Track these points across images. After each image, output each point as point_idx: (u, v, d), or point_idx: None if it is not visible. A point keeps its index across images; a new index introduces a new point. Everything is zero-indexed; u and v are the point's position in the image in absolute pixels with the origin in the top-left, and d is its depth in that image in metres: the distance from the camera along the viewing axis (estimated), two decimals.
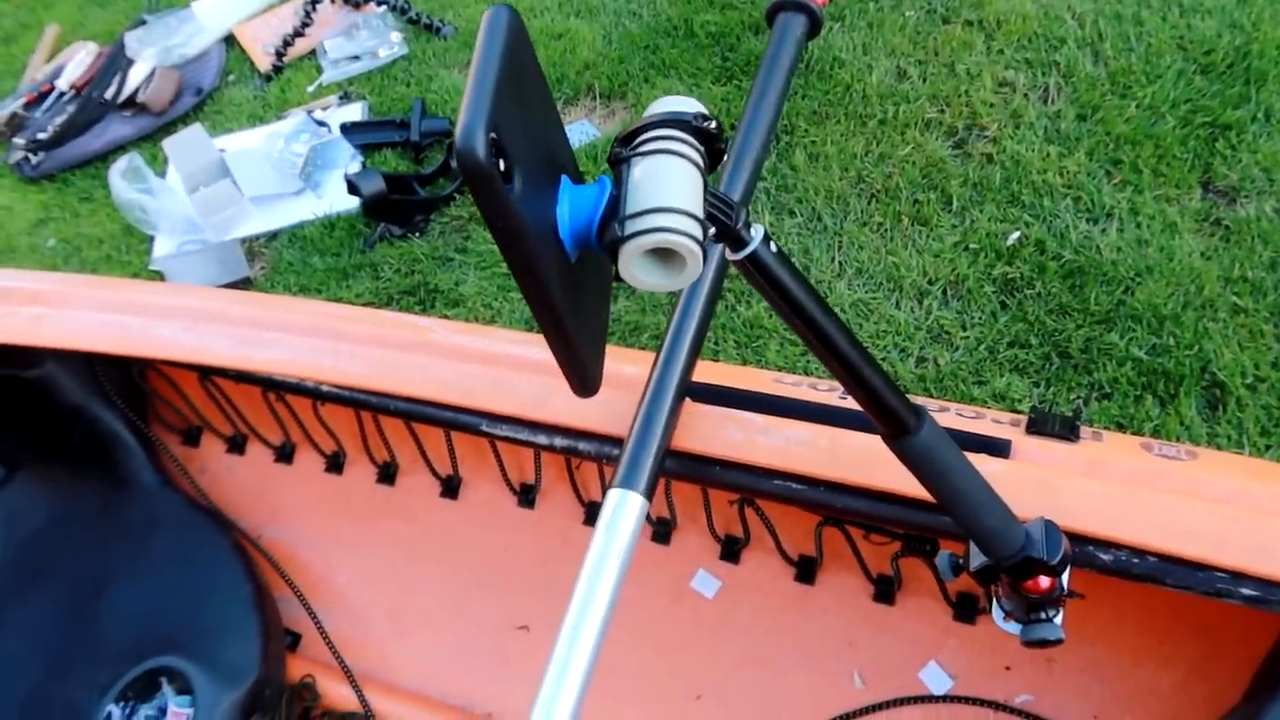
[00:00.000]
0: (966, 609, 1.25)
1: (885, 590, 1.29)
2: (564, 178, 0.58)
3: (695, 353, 1.01)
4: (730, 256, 0.62)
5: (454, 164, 2.23)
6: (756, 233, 0.61)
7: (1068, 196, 1.76)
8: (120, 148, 2.65)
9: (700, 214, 0.55)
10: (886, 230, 1.83)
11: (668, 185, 0.54)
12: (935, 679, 1.26)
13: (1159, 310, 1.58)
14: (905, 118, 1.96)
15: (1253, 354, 1.51)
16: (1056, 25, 2.00)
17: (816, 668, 1.30)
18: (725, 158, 0.61)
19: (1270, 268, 1.59)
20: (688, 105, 0.59)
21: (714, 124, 0.58)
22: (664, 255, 0.55)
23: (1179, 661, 1.16)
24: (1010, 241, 1.73)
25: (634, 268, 0.54)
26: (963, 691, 1.24)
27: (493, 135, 0.48)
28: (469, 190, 0.47)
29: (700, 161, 0.57)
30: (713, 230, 0.59)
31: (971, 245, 1.75)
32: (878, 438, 0.85)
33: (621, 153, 0.57)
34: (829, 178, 1.92)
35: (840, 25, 2.13)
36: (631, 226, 0.53)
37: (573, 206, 0.57)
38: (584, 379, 0.62)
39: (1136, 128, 1.80)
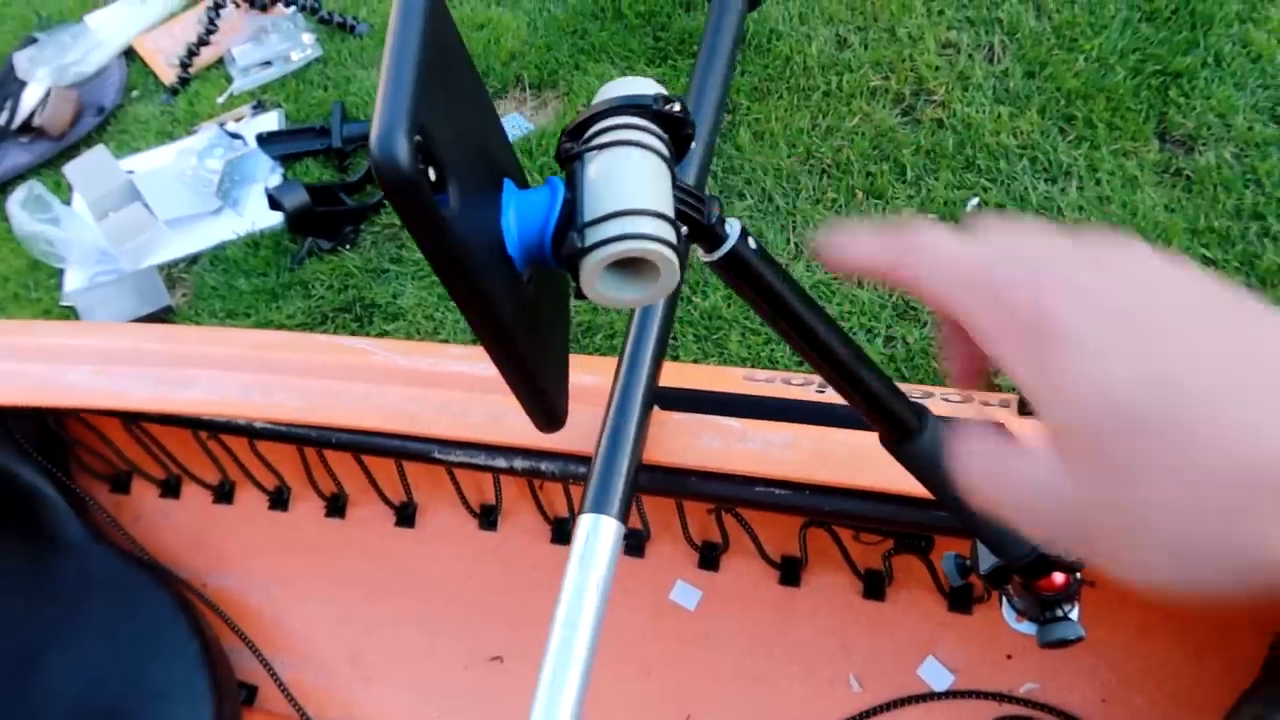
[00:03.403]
0: (962, 599, 1.19)
1: (875, 586, 1.22)
2: (507, 182, 0.49)
3: (660, 357, 0.93)
4: (704, 258, 0.54)
5: None
6: (733, 228, 0.53)
7: (1024, 157, 1.71)
8: (19, 176, 2.48)
9: (671, 213, 0.46)
10: (841, 206, 1.76)
11: (631, 183, 0.46)
12: (935, 675, 1.20)
13: None
14: (850, 88, 1.89)
15: None
16: None
17: (810, 675, 1.23)
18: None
19: (1235, 216, 1.55)
20: (645, 86, 0.50)
21: (678, 106, 0.49)
22: (633, 265, 0.46)
23: (1189, 636, 1.11)
24: (969, 208, 1.68)
25: (599, 283, 0.45)
26: (965, 686, 1.18)
27: (418, 138, 0.38)
28: (393, 208, 0.38)
29: (666, 152, 0.49)
30: (685, 230, 0.50)
31: (930, 215, 1.69)
32: (864, 434, 0.78)
33: (573, 147, 0.48)
34: (777, 156, 1.84)
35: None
36: (593, 235, 0.44)
37: (520, 216, 0.47)
38: (549, 413, 0.53)
39: (1087, 81, 1.75)
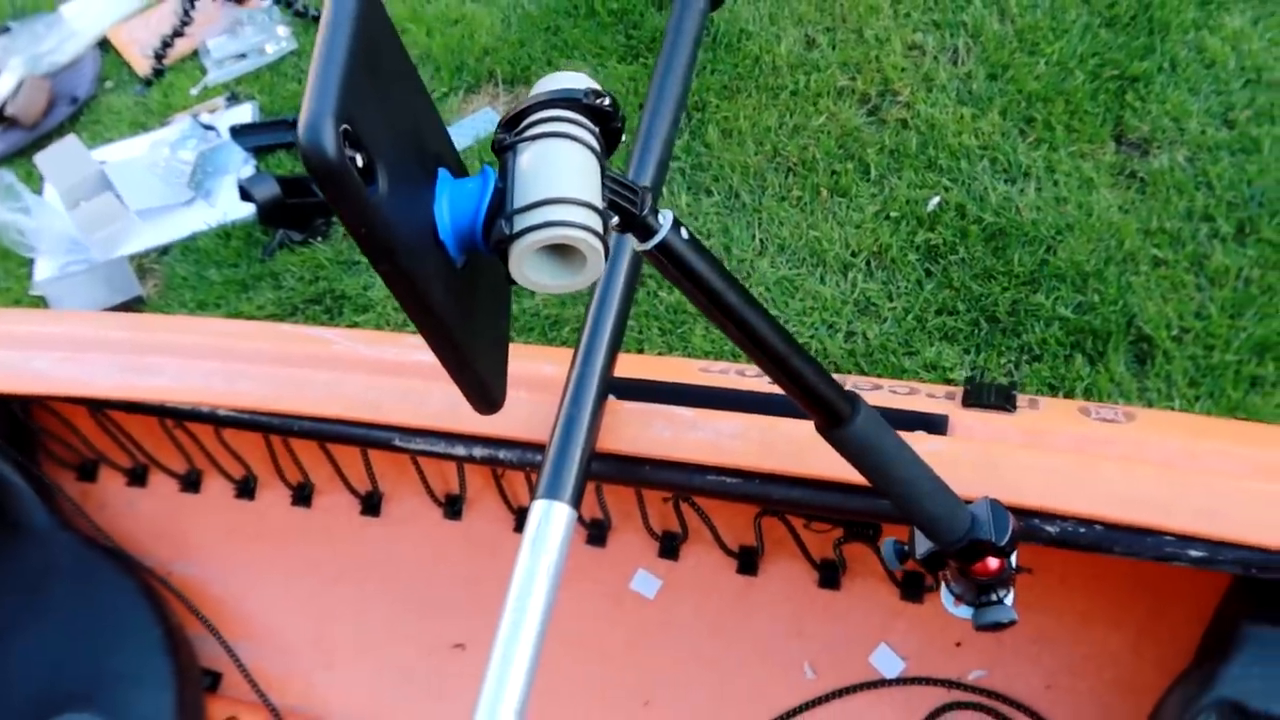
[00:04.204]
0: (913, 588, 1.22)
1: (830, 576, 1.25)
2: (442, 171, 0.51)
3: (615, 348, 0.95)
4: (637, 247, 0.56)
5: None
6: (665, 219, 0.55)
7: (984, 158, 1.74)
8: None
9: (599, 203, 0.49)
10: (806, 204, 1.79)
11: (559, 173, 0.48)
12: (886, 662, 1.23)
13: (1081, 267, 1.57)
14: (817, 87, 1.91)
15: (1176, 305, 1.51)
16: None
17: (766, 662, 1.26)
18: (635, 139, 0.55)
19: (1187, 217, 1.59)
20: (577, 81, 0.52)
21: (608, 100, 0.52)
22: (561, 252, 0.48)
23: (1128, 624, 1.14)
24: (931, 207, 1.71)
25: (527, 268, 0.48)
26: (915, 672, 1.21)
27: (345, 127, 0.40)
28: (323, 195, 0.40)
29: (596, 145, 0.51)
30: (616, 220, 0.52)
31: (892, 214, 1.72)
32: (812, 424, 0.80)
33: (506, 139, 0.50)
34: (744, 153, 1.87)
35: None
36: (521, 222, 0.47)
37: (453, 203, 0.50)
38: (484, 396, 0.56)
39: (1047, 84, 1.79)
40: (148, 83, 2.55)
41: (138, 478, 1.54)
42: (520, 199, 0.47)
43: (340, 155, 0.39)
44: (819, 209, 1.77)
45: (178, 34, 2.58)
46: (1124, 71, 1.77)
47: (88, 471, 1.56)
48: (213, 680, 1.41)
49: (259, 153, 2.26)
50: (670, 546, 1.31)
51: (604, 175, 0.51)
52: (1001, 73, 1.84)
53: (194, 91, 2.48)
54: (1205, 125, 1.68)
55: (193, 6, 2.59)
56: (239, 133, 2.27)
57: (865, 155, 1.80)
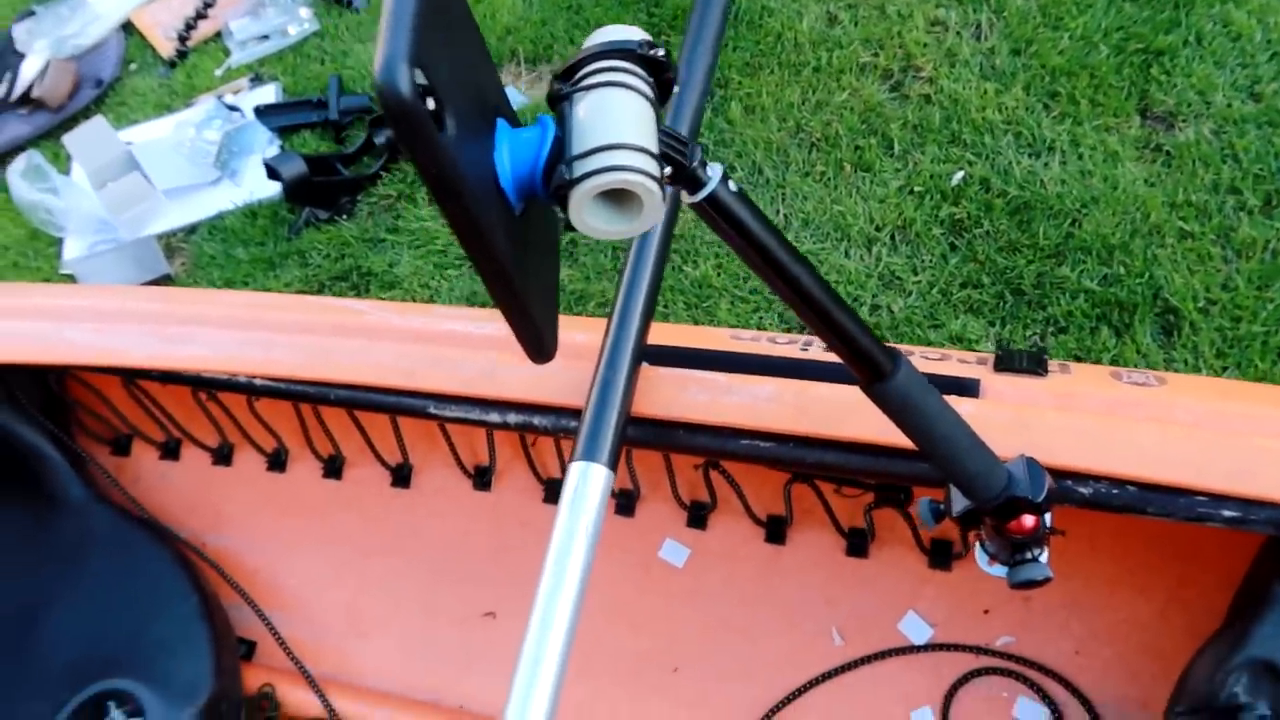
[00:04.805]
0: (941, 556, 1.23)
1: (858, 544, 1.26)
2: (500, 122, 0.52)
3: (649, 314, 0.96)
4: (687, 200, 0.57)
5: (378, 139, 2.14)
6: (714, 172, 0.56)
7: (1008, 132, 1.74)
8: (18, 148, 2.49)
9: (655, 150, 0.50)
10: (830, 179, 1.79)
11: (618, 120, 0.49)
12: (915, 629, 1.24)
13: (1107, 240, 1.57)
14: (839, 63, 1.91)
15: (1203, 277, 1.51)
16: None
17: (794, 629, 1.27)
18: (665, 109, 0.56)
19: (1213, 190, 1.58)
20: (631, 33, 0.53)
21: (661, 51, 0.53)
22: (619, 198, 0.49)
23: (1155, 590, 1.15)
24: (955, 181, 1.71)
25: (586, 214, 0.49)
26: (943, 639, 1.22)
27: (418, 71, 0.41)
28: (395, 135, 0.41)
29: (650, 93, 0.52)
30: (667, 170, 0.53)
31: (916, 188, 1.72)
32: (846, 388, 0.81)
33: (562, 88, 0.51)
34: (767, 129, 1.87)
35: None
36: (581, 167, 0.48)
37: (513, 152, 0.51)
38: (539, 343, 0.57)
39: (1071, 59, 1.78)
40: (171, 65, 2.57)
41: (170, 451, 1.56)
42: (579, 145, 0.48)
43: (415, 95, 0.40)
44: (843, 184, 1.77)
45: (200, 16, 2.59)
46: (1149, 45, 1.76)
47: (121, 446, 1.59)
48: (247, 649, 1.43)
49: (284, 132, 2.28)
50: (698, 516, 1.33)
51: (658, 125, 0.52)
52: (1025, 48, 1.84)
53: (218, 73, 2.50)
54: (1231, 98, 1.67)
55: None
56: (264, 113, 2.29)
57: (888, 130, 1.80)
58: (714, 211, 0.57)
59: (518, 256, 0.51)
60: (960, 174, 1.71)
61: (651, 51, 0.52)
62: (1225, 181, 1.59)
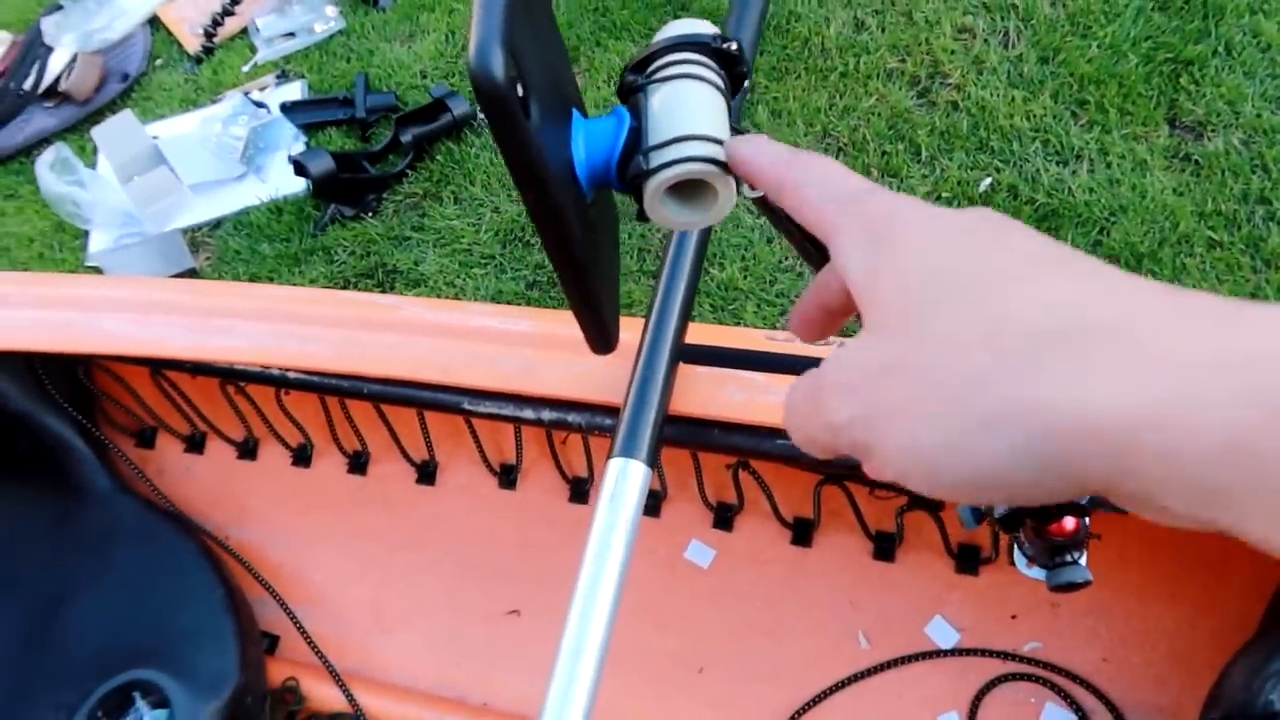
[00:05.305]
0: (969, 560, 1.23)
1: (885, 547, 1.26)
2: (574, 111, 0.53)
3: (687, 312, 0.96)
4: (749, 193, 0.57)
5: (404, 138, 2.15)
6: None
7: (1036, 140, 1.74)
8: (45, 140, 2.51)
9: (728, 141, 0.50)
10: None
11: (695, 111, 0.49)
12: (941, 633, 1.23)
13: (1136, 249, 1.57)
14: (867, 69, 1.92)
15: (1230, 287, 1.51)
16: None
17: (820, 632, 1.27)
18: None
19: (1242, 200, 1.58)
20: (703, 27, 0.53)
21: (734, 45, 0.53)
22: (692, 189, 0.49)
23: (1185, 598, 1.15)
24: (983, 188, 1.71)
25: (661, 205, 0.49)
26: (970, 644, 1.22)
27: (510, 57, 0.42)
28: (486, 119, 0.41)
29: (724, 86, 0.52)
30: None
31: (944, 194, 1.72)
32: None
33: (636, 80, 0.52)
34: (794, 134, 1.87)
35: None
36: (657, 158, 0.48)
37: (589, 141, 0.51)
38: (604, 334, 0.57)
39: (1099, 67, 1.78)
40: (198, 60, 2.58)
41: (195, 444, 1.56)
42: (656, 136, 0.49)
43: (509, 81, 0.40)
44: None
45: (227, 13, 2.60)
46: (1178, 55, 1.76)
47: (146, 438, 1.59)
48: (271, 643, 1.44)
49: (309, 129, 2.29)
50: (724, 518, 1.33)
51: (730, 117, 0.52)
52: (1053, 56, 1.84)
53: (244, 69, 2.51)
54: (1261, 109, 1.67)
55: None
56: (290, 109, 2.30)
57: (916, 137, 1.81)
58: (775, 205, 0.57)
59: (590, 246, 0.51)
60: (988, 181, 1.71)
61: (725, 45, 0.52)
62: (1254, 191, 1.59)
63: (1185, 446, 0.23)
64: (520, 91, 0.43)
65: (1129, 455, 0.24)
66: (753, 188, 0.47)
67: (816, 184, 0.38)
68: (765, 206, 0.58)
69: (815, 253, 0.63)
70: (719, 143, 0.49)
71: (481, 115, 2.16)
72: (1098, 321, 0.26)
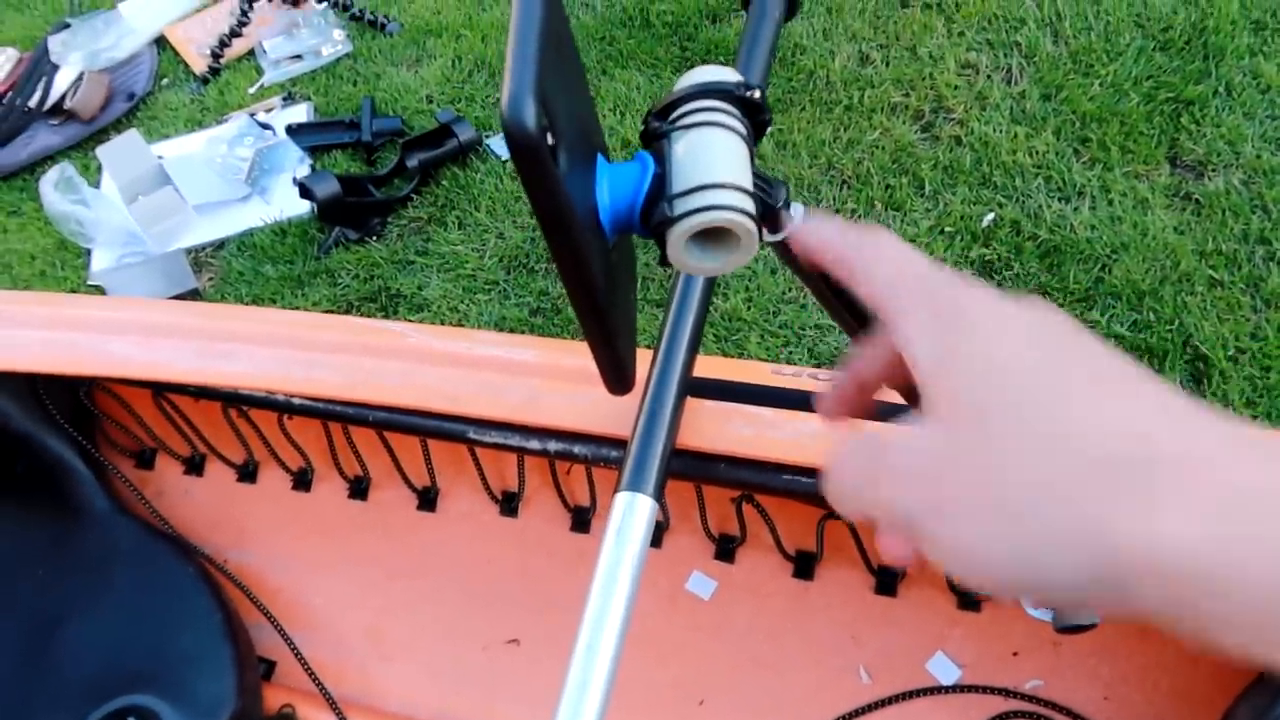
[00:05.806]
0: (971, 597, 1.23)
1: (887, 582, 1.26)
2: (599, 156, 0.53)
3: (695, 346, 0.97)
4: (769, 238, 0.58)
5: (409, 163, 2.16)
6: (797, 211, 0.57)
7: (1039, 176, 1.75)
8: (49, 158, 2.51)
9: (751, 189, 0.51)
10: (860, 217, 1.80)
11: (718, 159, 0.50)
12: (943, 669, 1.23)
13: (1137, 286, 1.58)
14: (871, 103, 1.94)
15: (1232, 326, 1.52)
16: (1015, 6, 2.00)
17: (821, 665, 1.27)
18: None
19: (1242, 239, 1.60)
20: (727, 75, 0.54)
21: (758, 94, 0.54)
22: (715, 235, 0.50)
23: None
24: (985, 223, 1.72)
25: (684, 251, 0.49)
26: (971, 680, 1.22)
27: (541, 106, 0.42)
28: (516, 167, 0.42)
29: (747, 133, 0.53)
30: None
31: (947, 228, 1.73)
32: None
33: (660, 126, 0.52)
34: (798, 166, 1.89)
35: (800, 12, 2.10)
36: (681, 206, 0.48)
37: (613, 187, 0.51)
38: (620, 375, 0.57)
39: (1101, 105, 1.80)
40: (204, 81, 2.59)
41: (195, 466, 1.56)
42: (680, 184, 0.49)
43: (540, 130, 0.41)
44: (873, 222, 1.79)
45: (234, 34, 2.62)
46: (1179, 95, 1.78)
47: (145, 459, 1.58)
48: (267, 669, 1.42)
49: (315, 152, 2.29)
50: (726, 549, 1.32)
51: (752, 165, 0.53)
52: (1055, 93, 1.86)
53: (250, 91, 2.52)
54: (1261, 149, 1.69)
55: (250, 7, 2.64)
56: (296, 132, 2.31)
57: (919, 170, 1.82)
58: (792, 251, 0.58)
59: (610, 289, 0.52)
60: (991, 216, 1.73)
61: (748, 93, 0.53)
62: (1255, 231, 1.60)
63: (1245, 585, 0.24)
64: (550, 140, 0.44)
65: (1187, 589, 0.25)
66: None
67: (885, 263, 0.38)
68: (790, 261, 0.58)
69: (854, 323, 0.63)
70: (744, 190, 0.50)
71: (490, 144, 2.17)
72: (1165, 454, 0.27)
